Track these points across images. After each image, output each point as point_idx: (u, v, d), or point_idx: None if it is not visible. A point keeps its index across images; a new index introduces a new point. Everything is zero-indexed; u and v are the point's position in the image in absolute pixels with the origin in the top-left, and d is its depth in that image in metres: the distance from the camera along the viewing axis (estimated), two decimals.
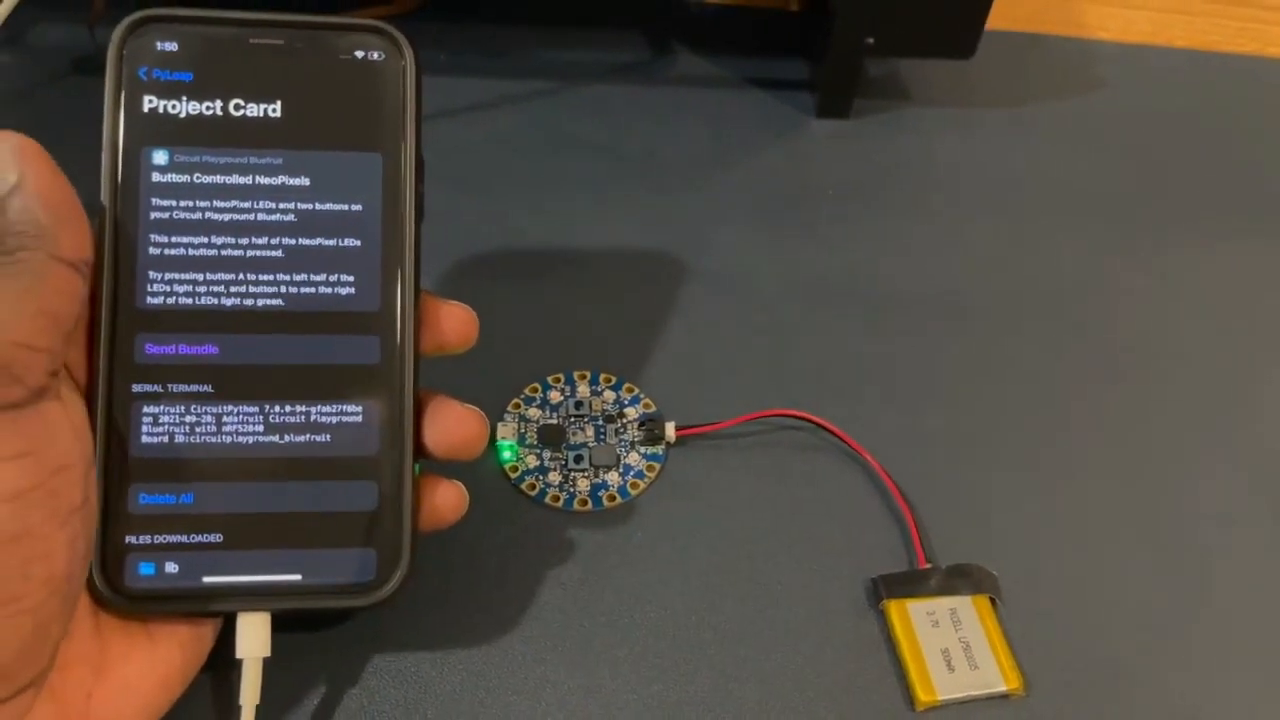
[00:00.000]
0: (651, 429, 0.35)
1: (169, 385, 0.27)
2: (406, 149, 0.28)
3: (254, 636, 0.27)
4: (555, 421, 0.36)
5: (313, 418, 0.27)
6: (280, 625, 0.27)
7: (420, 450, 0.28)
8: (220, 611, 0.27)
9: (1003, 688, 0.30)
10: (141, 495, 0.26)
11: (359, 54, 0.28)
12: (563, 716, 0.29)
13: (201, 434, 0.27)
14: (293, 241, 0.28)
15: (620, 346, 0.38)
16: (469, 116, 0.47)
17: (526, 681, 0.30)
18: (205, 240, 0.27)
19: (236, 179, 0.28)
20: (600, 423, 0.36)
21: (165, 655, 0.26)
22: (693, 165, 0.46)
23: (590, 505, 0.34)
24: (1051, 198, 0.46)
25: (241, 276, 0.27)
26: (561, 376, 0.37)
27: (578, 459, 0.35)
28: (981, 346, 0.40)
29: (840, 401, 0.37)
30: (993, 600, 0.32)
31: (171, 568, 0.26)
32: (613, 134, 0.47)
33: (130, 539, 0.26)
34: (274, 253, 0.28)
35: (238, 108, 0.28)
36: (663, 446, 0.35)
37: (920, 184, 0.46)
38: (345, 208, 0.28)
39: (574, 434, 0.35)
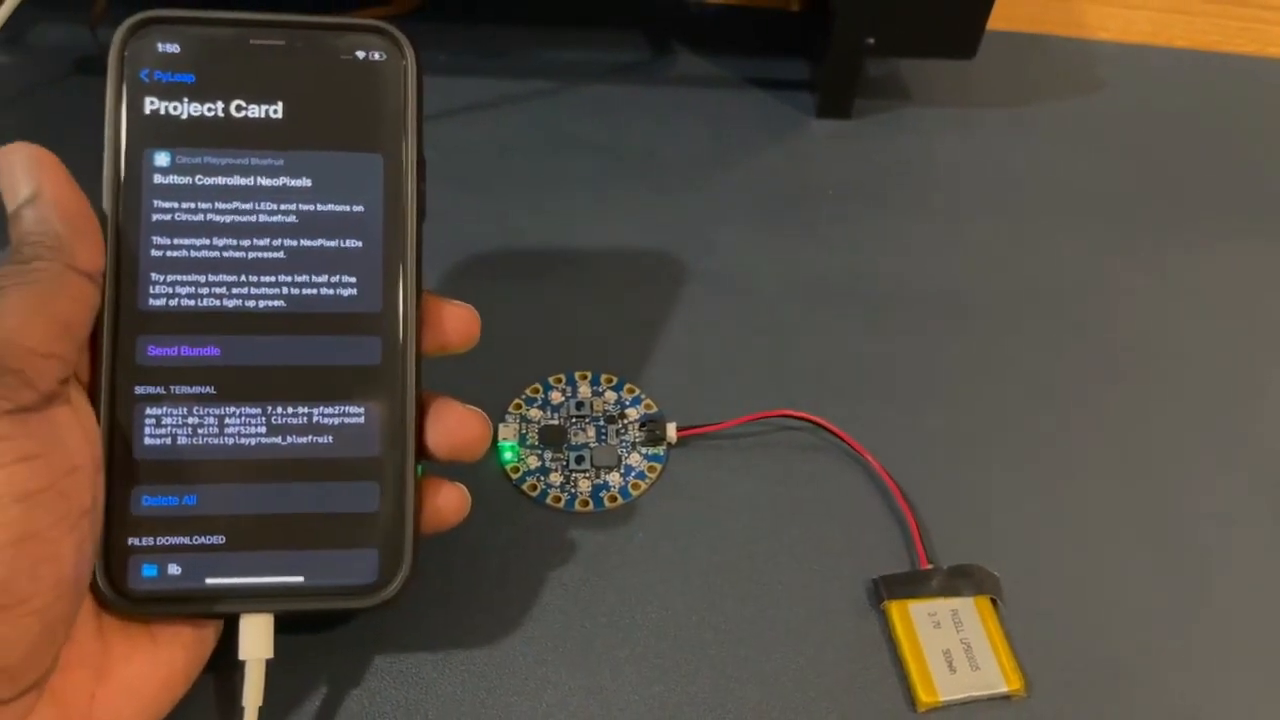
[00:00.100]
0: (653, 429, 0.35)
1: (171, 387, 0.27)
2: (408, 149, 0.28)
3: (257, 638, 0.27)
4: (556, 422, 0.36)
5: (315, 419, 0.27)
6: (283, 627, 0.28)
7: (423, 451, 0.28)
8: (223, 613, 0.27)
9: (1004, 688, 0.30)
10: (144, 497, 0.26)
11: (360, 54, 0.28)
12: (564, 717, 0.29)
13: (204, 436, 0.27)
14: (294, 242, 0.28)
15: (621, 347, 0.38)
16: (469, 116, 0.47)
17: (528, 682, 0.30)
18: (207, 242, 0.27)
19: (238, 180, 0.28)
20: (601, 423, 0.36)
21: (168, 657, 0.26)
22: (693, 165, 0.46)
23: (591, 506, 0.34)
24: (1052, 198, 0.46)
25: (243, 278, 0.27)
26: (563, 377, 0.37)
27: (579, 459, 0.35)
28: (982, 346, 0.40)
29: (841, 402, 0.37)
30: (994, 601, 0.32)
31: (174, 569, 0.26)
32: (613, 134, 0.47)
33: (133, 541, 0.26)
34: (276, 254, 0.28)
35: (239, 109, 0.28)
36: (664, 447, 0.35)
37: (921, 184, 0.46)
38: (347, 208, 0.28)
39: (575, 435, 0.35)
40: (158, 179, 0.27)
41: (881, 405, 0.37)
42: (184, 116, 0.28)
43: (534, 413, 0.36)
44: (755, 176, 0.46)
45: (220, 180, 0.28)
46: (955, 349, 0.40)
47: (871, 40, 0.45)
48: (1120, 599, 0.33)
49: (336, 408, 0.27)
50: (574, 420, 0.36)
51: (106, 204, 0.27)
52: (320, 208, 0.28)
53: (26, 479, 0.22)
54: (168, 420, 0.27)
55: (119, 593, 0.26)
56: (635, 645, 0.31)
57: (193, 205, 0.27)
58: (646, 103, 0.48)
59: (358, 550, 0.27)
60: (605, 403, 0.36)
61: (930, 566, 0.33)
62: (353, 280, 0.28)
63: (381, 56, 0.28)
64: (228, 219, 0.28)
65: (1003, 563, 0.33)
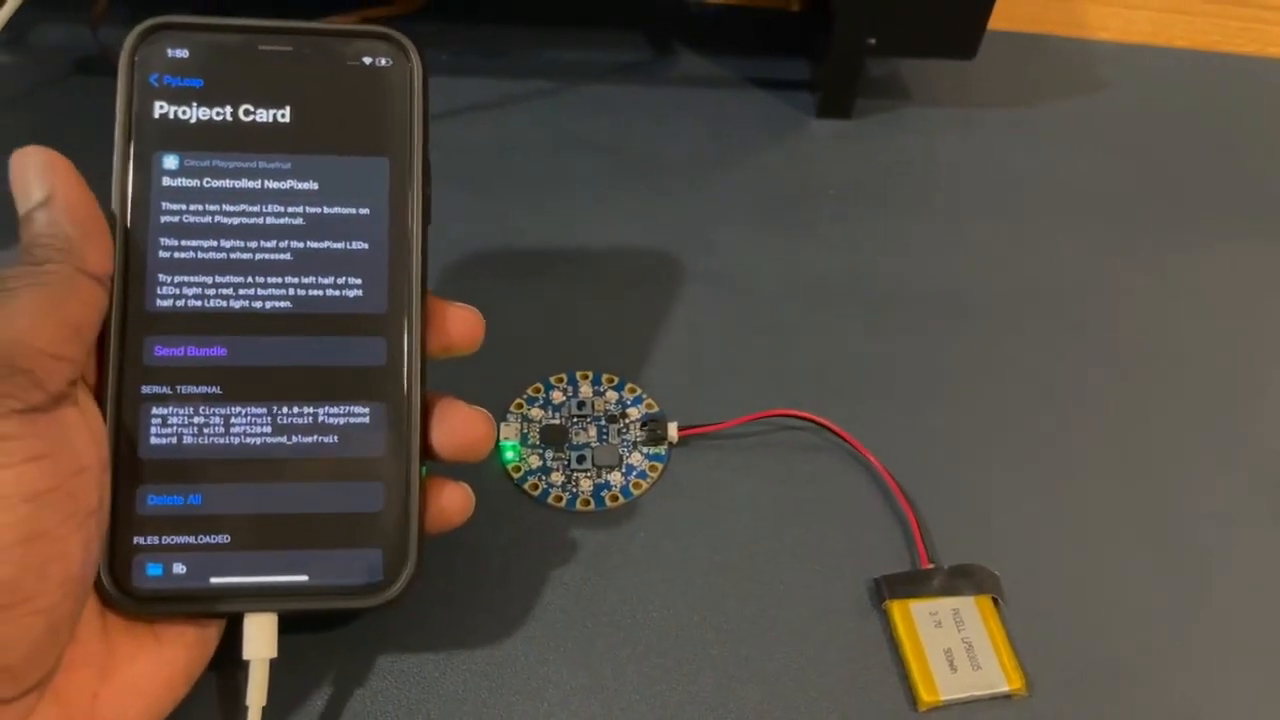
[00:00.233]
0: (654, 429, 0.35)
1: (177, 387, 0.27)
2: (413, 154, 0.29)
3: (261, 637, 0.27)
4: (558, 422, 0.36)
5: (320, 419, 0.27)
6: (286, 626, 0.28)
7: (427, 452, 0.28)
8: (227, 612, 0.27)
9: (1005, 688, 0.30)
10: (150, 496, 0.26)
11: (367, 60, 0.29)
12: (565, 716, 0.30)
13: (210, 435, 0.27)
14: (301, 245, 0.28)
15: (622, 347, 0.38)
16: (470, 116, 0.47)
17: (530, 682, 0.30)
18: (214, 243, 0.28)
19: (245, 183, 0.28)
20: (603, 423, 0.36)
21: (171, 656, 0.26)
22: (694, 165, 0.46)
23: (593, 505, 0.34)
24: (1052, 197, 0.46)
25: (250, 279, 0.28)
26: (564, 376, 0.37)
27: (580, 459, 0.35)
28: (982, 346, 0.40)
29: (841, 401, 0.37)
30: (995, 600, 0.32)
31: (179, 568, 0.26)
32: (614, 134, 0.47)
33: (138, 540, 0.26)
34: (282, 256, 0.28)
35: (247, 113, 0.28)
36: (665, 446, 0.36)
37: (921, 184, 0.46)
38: (353, 211, 0.28)
39: (576, 434, 0.36)
40: (166, 181, 0.28)
41: (882, 405, 0.38)
42: (192, 120, 0.28)
43: (535, 412, 0.36)
44: (756, 176, 0.46)
45: (228, 183, 0.28)
46: (956, 349, 0.40)
47: (872, 40, 0.45)
48: (1121, 599, 0.33)
49: (342, 408, 0.28)
50: (575, 420, 0.36)
51: (115, 206, 0.27)
52: (327, 210, 0.28)
53: (35, 478, 0.22)
54: (174, 420, 0.27)
55: (124, 592, 0.26)
56: (637, 645, 0.31)
57: (200, 207, 0.28)
58: (647, 102, 0.49)
59: (362, 550, 0.27)
60: (607, 402, 0.36)
61: (931, 566, 0.33)
62: (358, 282, 0.28)
63: (388, 62, 0.29)
64: (235, 221, 0.28)
65: (1003, 562, 0.33)
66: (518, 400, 0.36)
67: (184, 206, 0.28)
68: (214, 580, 0.26)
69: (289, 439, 0.27)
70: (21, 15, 0.38)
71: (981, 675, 0.30)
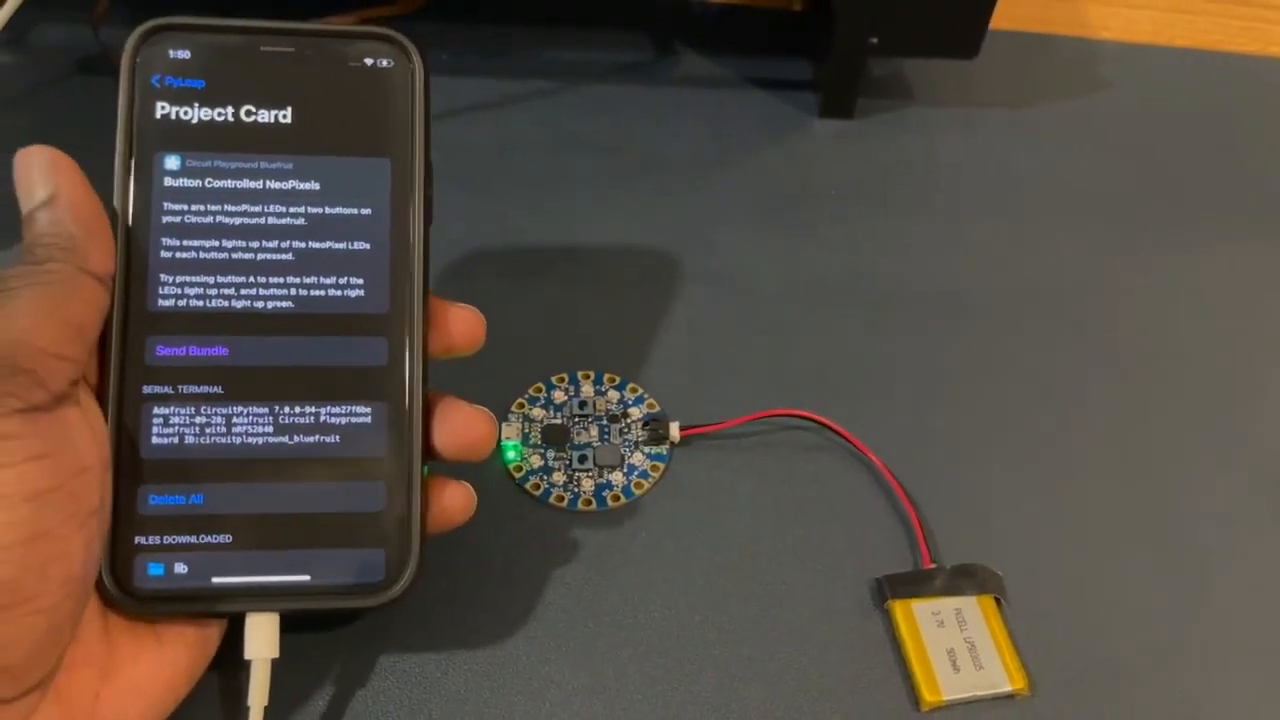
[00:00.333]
0: (655, 429, 0.35)
1: (179, 387, 0.27)
2: (415, 154, 0.29)
3: (262, 637, 0.27)
4: (559, 421, 0.36)
5: (322, 419, 0.27)
6: (288, 626, 0.28)
7: (429, 451, 0.28)
8: (229, 612, 0.27)
9: (1008, 688, 0.30)
10: (151, 496, 0.26)
11: (368, 61, 0.29)
12: (567, 716, 0.30)
13: (211, 435, 0.27)
14: (303, 245, 0.28)
15: (624, 346, 0.38)
16: (470, 116, 0.47)
17: (531, 682, 0.30)
18: (216, 244, 0.28)
19: (247, 183, 0.28)
20: (604, 423, 0.36)
21: (172, 656, 0.26)
22: (695, 165, 0.46)
23: (594, 505, 0.34)
24: (1053, 197, 0.46)
25: (252, 279, 0.28)
26: (565, 376, 0.37)
27: (582, 459, 0.35)
28: (983, 346, 0.40)
29: (843, 401, 0.37)
30: (998, 600, 0.32)
31: (181, 568, 0.26)
32: (614, 133, 0.47)
33: (140, 540, 0.26)
34: (284, 256, 0.28)
35: (249, 114, 0.28)
36: (667, 446, 0.36)
37: (922, 184, 0.46)
38: (354, 211, 0.28)
39: (578, 434, 0.36)
40: (168, 182, 0.28)
41: (883, 405, 0.38)
42: (194, 121, 0.28)
43: (537, 412, 0.36)
44: (757, 176, 0.46)
45: (230, 183, 0.28)
46: (956, 349, 0.40)
47: (874, 40, 0.45)
48: (1121, 598, 0.33)
49: (344, 408, 0.28)
50: (577, 419, 0.36)
51: (117, 206, 0.27)
52: (328, 211, 0.28)
53: (37, 478, 0.22)
54: (175, 420, 0.27)
55: (125, 592, 0.26)
56: (639, 644, 0.31)
57: (202, 207, 0.28)
58: (648, 102, 0.49)
59: (364, 550, 0.27)
60: (608, 402, 0.36)
61: (934, 566, 0.33)
62: (360, 282, 0.28)
63: (389, 64, 0.29)
64: (237, 221, 0.28)
65: (1005, 562, 0.33)
66: (519, 400, 0.36)
67: (186, 206, 0.28)
68: (215, 580, 0.26)
69: (291, 439, 0.27)
70: (22, 15, 0.38)
71: (984, 675, 0.30)
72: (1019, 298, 0.42)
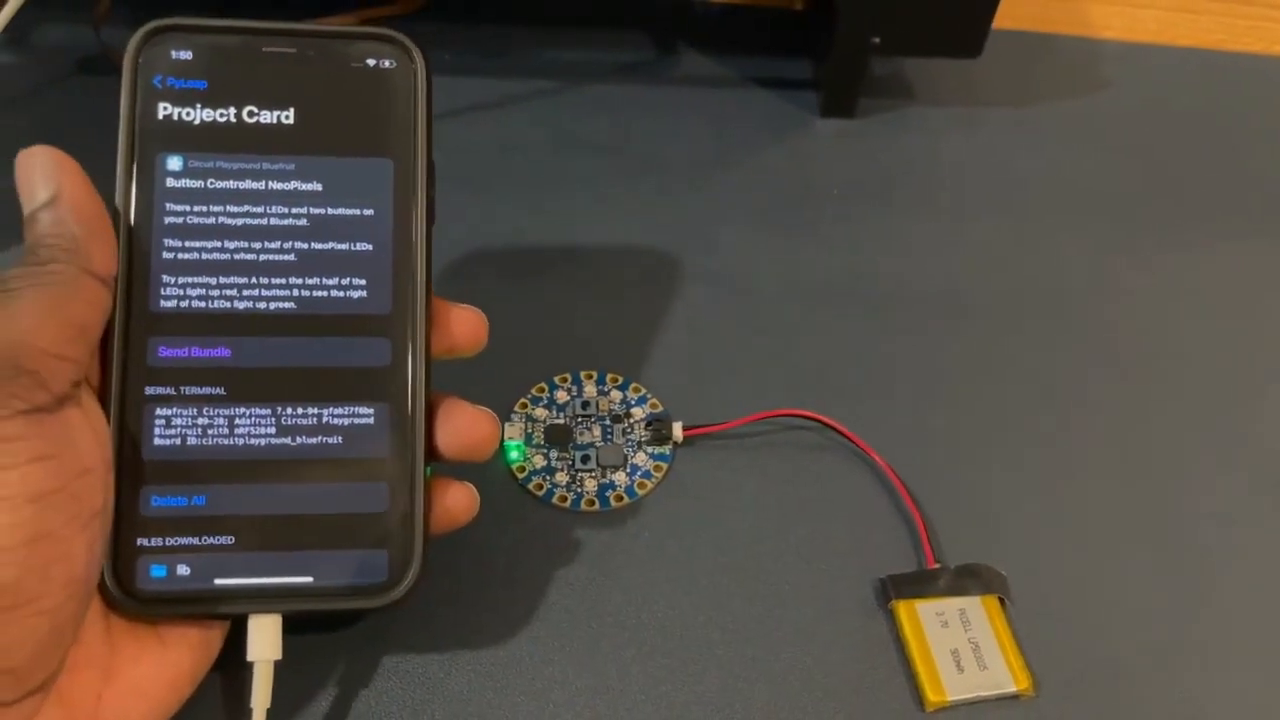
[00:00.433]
0: (659, 429, 0.35)
1: (181, 388, 0.27)
2: (417, 155, 0.29)
3: (265, 639, 0.27)
4: (562, 421, 0.36)
5: (324, 420, 0.27)
6: (290, 627, 0.28)
7: (432, 452, 0.28)
8: (232, 614, 0.27)
9: (1012, 688, 0.30)
10: (154, 498, 0.26)
11: (370, 62, 0.29)
12: (570, 717, 0.29)
13: (214, 436, 0.27)
14: (305, 245, 0.28)
15: (627, 346, 0.38)
16: (471, 116, 0.47)
17: (535, 682, 0.30)
18: (218, 244, 0.28)
19: (249, 184, 0.28)
20: (607, 423, 0.36)
21: (175, 658, 0.26)
22: (696, 165, 0.46)
23: (597, 505, 0.34)
24: (1055, 197, 0.46)
25: (254, 280, 0.28)
26: (568, 376, 0.37)
27: (585, 459, 0.35)
28: (985, 346, 0.40)
29: (845, 401, 0.37)
30: (1002, 600, 0.32)
31: (183, 570, 0.26)
32: (615, 133, 0.47)
33: (142, 541, 0.26)
34: (286, 256, 0.28)
35: (251, 114, 0.28)
36: (670, 446, 0.35)
37: (925, 183, 0.46)
38: (357, 212, 0.28)
39: (581, 434, 0.36)
40: (170, 182, 0.28)
41: (885, 405, 0.37)
42: (196, 122, 0.28)
43: (540, 412, 0.36)
44: (758, 176, 0.46)
45: (232, 184, 0.28)
46: (958, 348, 0.40)
47: (876, 39, 0.45)
48: (1123, 599, 0.33)
49: (346, 408, 0.28)
50: (579, 420, 0.36)
51: (119, 206, 0.27)
52: (331, 211, 0.28)
53: (40, 479, 0.22)
54: (178, 421, 0.27)
55: (127, 593, 0.26)
56: (642, 645, 0.31)
57: (204, 208, 0.28)
58: (649, 102, 0.48)
59: (367, 551, 0.27)
60: (611, 402, 0.36)
61: (937, 566, 0.33)
62: (362, 283, 0.28)
63: (391, 64, 0.29)
64: (239, 222, 0.28)
65: (1008, 562, 0.33)
66: (522, 400, 0.36)
67: (188, 207, 0.28)
68: (218, 581, 0.26)
69: (293, 440, 0.27)
70: (23, 15, 0.38)
71: (988, 675, 0.30)
72: (1021, 297, 0.42)
